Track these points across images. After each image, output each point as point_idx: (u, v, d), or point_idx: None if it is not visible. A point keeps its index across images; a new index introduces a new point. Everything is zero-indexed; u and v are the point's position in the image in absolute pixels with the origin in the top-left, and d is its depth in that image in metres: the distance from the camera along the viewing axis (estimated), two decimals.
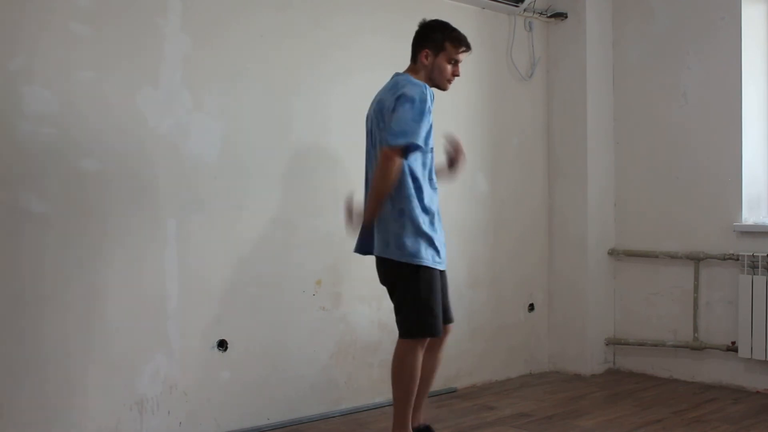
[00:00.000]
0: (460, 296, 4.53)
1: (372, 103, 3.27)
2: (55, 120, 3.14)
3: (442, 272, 3.21)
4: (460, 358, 4.52)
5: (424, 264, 3.08)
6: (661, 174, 4.76)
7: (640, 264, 4.86)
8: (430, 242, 3.09)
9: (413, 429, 3.26)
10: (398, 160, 2.99)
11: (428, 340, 3.16)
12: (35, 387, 3.10)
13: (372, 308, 4.13)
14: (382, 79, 4.16)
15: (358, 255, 4.06)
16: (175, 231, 3.46)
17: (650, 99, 4.81)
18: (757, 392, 4.35)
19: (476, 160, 4.60)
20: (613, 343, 4.95)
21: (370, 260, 4.12)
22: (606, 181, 4.93)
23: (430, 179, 3.14)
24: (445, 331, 3.29)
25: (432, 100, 3.08)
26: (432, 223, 3.11)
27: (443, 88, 3.27)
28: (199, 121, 3.53)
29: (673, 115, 4.69)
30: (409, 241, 3.05)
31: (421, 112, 3.00)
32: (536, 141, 4.99)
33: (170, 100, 3.44)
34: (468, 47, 3.22)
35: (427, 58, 3.19)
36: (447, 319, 3.29)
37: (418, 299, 3.10)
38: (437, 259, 3.12)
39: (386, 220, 3.09)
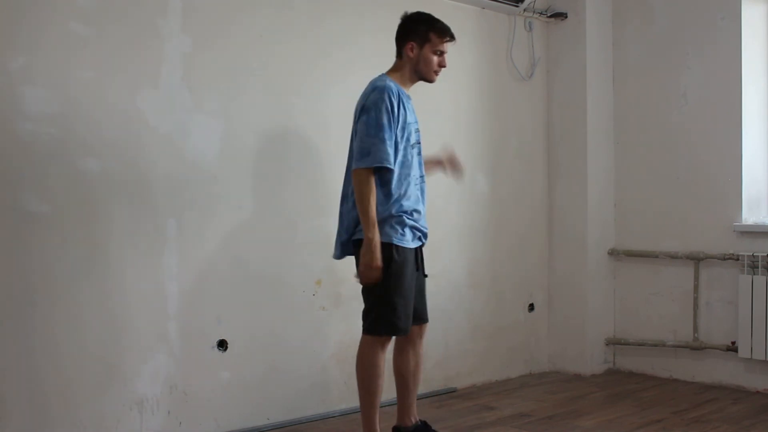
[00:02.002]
0: (460, 296, 4.53)
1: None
2: (56, 120, 3.14)
3: (418, 272, 3.19)
4: (460, 358, 4.52)
5: (394, 242, 3.05)
6: (661, 174, 4.76)
7: (640, 264, 4.86)
8: (399, 221, 3.06)
9: (405, 429, 3.28)
10: (368, 179, 2.98)
11: (394, 338, 3.14)
12: (35, 387, 3.10)
13: None
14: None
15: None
16: (175, 231, 3.46)
17: (650, 99, 4.81)
18: (757, 392, 4.35)
19: (476, 160, 4.60)
20: (613, 343, 4.95)
21: None
22: (606, 181, 4.93)
23: (409, 174, 3.10)
24: (420, 331, 3.27)
25: (400, 99, 3.06)
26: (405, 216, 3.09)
27: (430, 80, 3.25)
28: (199, 121, 3.53)
29: (673, 115, 4.69)
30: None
31: (378, 122, 2.98)
32: (536, 141, 4.99)
33: (170, 100, 3.44)
34: (452, 37, 3.21)
35: (412, 50, 3.18)
36: (421, 319, 3.27)
37: (383, 293, 3.06)
38: (407, 238, 3.08)
39: (350, 213, 3.11)
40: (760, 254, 4.27)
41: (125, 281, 3.32)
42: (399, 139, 3.05)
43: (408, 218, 3.08)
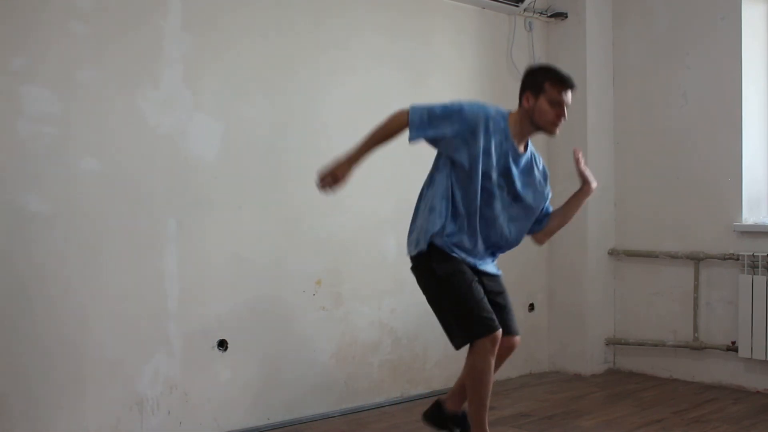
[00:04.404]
0: None
1: None
2: (55, 120, 3.14)
3: (486, 281, 3.07)
4: (460, 358, 4.50)
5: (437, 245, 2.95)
6: (661, 174, 4.76)
7: (640, 264, 4.86)
8: (441, 231, 2.97)
9: (448, 410, 3.22)
10: (400, 115, 2.96)
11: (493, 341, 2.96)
12: (35, 386, 3.10)
13: (372, 308, 4.14)
14: (381, 79, 4.19)
15: (358, 255, 4.09)
16: (175, 231, 3.46)
17: (650, 99, 4.81)
18: (757, 392, 4.35)
19: None
20: (613, 343, 4.95)
21: (370, 260, 4.16)
22: (606, 181, 4.93)
23: (473, 199, 2.98)
24: (506, 344, 3.08)
25: (487, 126, 2.94)
26: (456, 224, 2.99)
27: (549, 133, 3.08)
28: (199, 121, 3.53)
29: (673, 115, 4.69)
30: (426, 229, 2.99)
31: (445, 111, 2.92)
32: (536, 141, 4.97)
33: (170, 100, 3.44)
34: (571, 86, 3.01)
35: (528, 101, 3.01)
36: (507, 330, 3.08)
37: (447, 299, 2.99)
38: (458, 251, 2.99)
39: (420, 215, 3.06)
40: (760, 254, 4.27)
41: (125, 281, 3.32)
42: (466, 161, 2.94)
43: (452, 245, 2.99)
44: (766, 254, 4.26)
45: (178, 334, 3.47)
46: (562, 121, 3.05)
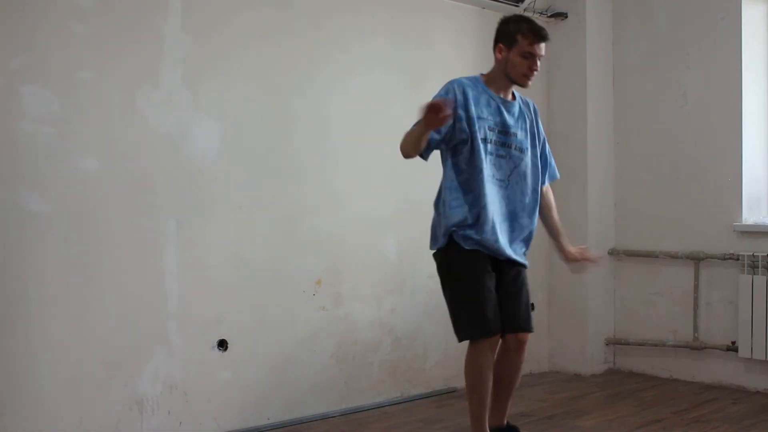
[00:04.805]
0: None
1: None
2: (55, 120, 3.14)
3: (507, 271, 3.13)
4: (460, 358, 4.49)
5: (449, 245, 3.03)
6: (661, 174, 4.76)
7: (640, 264, 4.86)
8: (460, 227, 3.01)
9: (496, 429, 3.21)
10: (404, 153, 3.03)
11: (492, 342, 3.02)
12: (35, 386, 3.10)
13: (372, 308, 4.14)
14: (381, 79, 4.19)
15: (358, 255, 4.09)
16: (175, 231, 3.46)
17: (650, 99, 4.80)
18: (757, 392, 4.35)
19: None
20: (613, 343, 4.94)
21: (370, 260, 4.16)
22: (606, 181, 4.93)
23: (479, 171, 3.00)
24: (515, 341, 3.14)
25: (464, 91, 3.00)
26: (474, 215, 3.01)
27: (521, 84, 3.08)
28: (199, 121, 3.53)
29: (673, 115, 4.69)
30: (441, 225, 3.08)
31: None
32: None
33: (170, 99, 3.44)
34: (543, 38, 3.01)
35: (500, 53, 3.05)
36: (513, 327, 3.13)
37: (454, 296, 3.07)
38: (468, 241, 3.01)
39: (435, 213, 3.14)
40: (760, 254, 4.27)
41: (125, 281, 3.32)
42: (467, 135, 2.99)
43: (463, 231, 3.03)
44: (766, 254, 4.26)
45: (178, 334, 3.47)
46: (534, 73, 3.07)
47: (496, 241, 3.05)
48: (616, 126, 4.97)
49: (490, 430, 3.17)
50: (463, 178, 3.04)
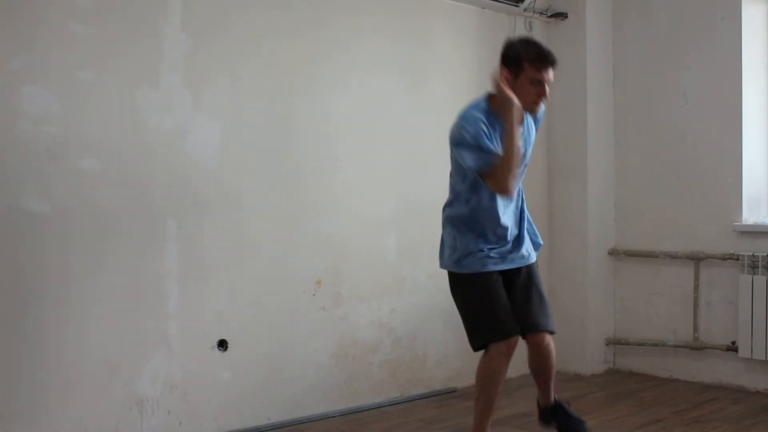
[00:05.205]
0: None
1: None
2: (55, 120, 3.14)
3: (515, 276, 3.10)
4: (460, 358, 4.52)
5: (456, 271, 3.06)
6: (661, 174, 4.76)
7: (640, 264, 4.86)
8: (462, 248, 3.02)
9: (544, 408, 3.31)
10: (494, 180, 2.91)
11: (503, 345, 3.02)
12: (35, 387, 3.10)
13: (372, 308, 4.14)
14: (381, 79, 4.19)
15: (358, 255, 4.09)
16: (175, 231, 3.46)
17: (650, 99, 4.80)
18: (757, 392, 4.34)
19: None
20: (613, 343, 4.94)
21: (370, 260, 4.16)
22: (606, 181, 4.93)
23: (491, 204, 3.01)
24: (536, 341, 3.13)
25: (489, 124, 2.90)
26: (475, 230, 3.02)
27: (530, 111, 3.03)
28: (199, 121, 3.53)
29: (673, 115, 4.69)
30: (446, 251, 3.08)
31: (470, 148, 2.88)
32: (536, 141, 4.97)
33: (170, 100, 3.44)
34: (551, 64, 2.92)
35: (507, 80, 2.92)
36: (531, 327, 3.10)
37: (465, 308, 3.09)
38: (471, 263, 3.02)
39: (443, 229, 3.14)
40: (760, 254, 4.27)
41: (125, 281, 3.32)
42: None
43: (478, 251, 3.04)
44: (766, 254, 4.26)
45: (178, 334, 3.47)
46: (544, 99, 2.98)
47: (503, 259, 3.07)
48: (616, 126, 4.97)
49: (542, 409, 3.30)
50: (478, 197, 3.00)
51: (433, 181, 4.05)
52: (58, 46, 3.15)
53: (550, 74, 2.94)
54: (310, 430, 3.74)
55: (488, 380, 3.04)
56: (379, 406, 4.10)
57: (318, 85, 3.93)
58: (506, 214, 3.06)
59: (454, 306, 4.55)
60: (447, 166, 3.16)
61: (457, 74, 4.52)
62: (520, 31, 4.84)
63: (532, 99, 2.94)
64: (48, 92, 3.12)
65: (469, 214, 3.02)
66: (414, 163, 4.24)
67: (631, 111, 4.90)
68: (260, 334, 3.72)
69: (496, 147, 2.88)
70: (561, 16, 4.88)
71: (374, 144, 4.12)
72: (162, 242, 3.43)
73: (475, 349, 3.07)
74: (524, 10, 4.77)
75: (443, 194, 3.78)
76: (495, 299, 3.02)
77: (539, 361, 3.22)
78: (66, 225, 3.17)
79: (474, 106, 2.98)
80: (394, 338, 4.24)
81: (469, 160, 2.88)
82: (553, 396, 3.34)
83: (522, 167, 3.09)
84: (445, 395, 4.36)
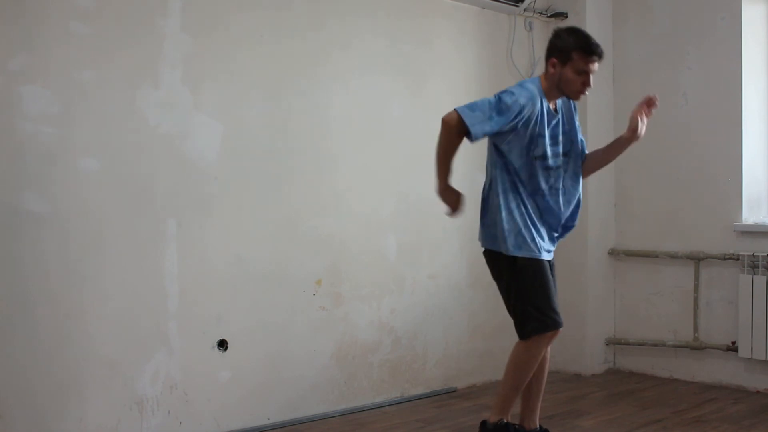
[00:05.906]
0: (460, 296, 4.53)
1: None
2: (55, 120, 3.14)
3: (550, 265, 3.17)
4: (460, 358, 4.53)
5: (519, 255, 3.06)
6: (661, 174, 4.76)
7: (640, 264, 4.86)
8: (522, 232, 3.06)
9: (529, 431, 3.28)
10: (450, 126, 2.95)
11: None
12: (35, 387, 3.10)
13: (372, 308, 4.14)
14: (381, 79, 4.19)
15: (358, 255, 4.09)
16: (175, 231, 3.46)
17: None
18: (757, 392, 4.35)
19: (476, 160, 4.59)
20: (613, 343, 4.95)
21: (370, 260, 4.15)
22: (606, 181, 4.93)
23: (537, 189, 3.09)
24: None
25: (536, 109, 3.00)
26: (531, 219, 3.09)
27: (574, 99, 3.12)
28: (199, 121, 3.53)
29: (673, 115, 4.69)
30: (506, 233, 3.08)
31: (499, 104, 2.95)
32: None
33: (170, 99, 3.44)
34: (599, 56, 3.01)
35: (554, 67, 3.03)
36: None
37: (520, 294, 3.08)
38: (532, 248, 3.07)
39: (492, 213, 3.13)
40: (760, 254, 4.27)
41: (125, 281, 3.32)
42: (514, 145, 3.02)
43: (527, 226, 3.09)
44: (766, 254, 4.26)
45: (178, 334, 3.47)
46: (587, 89, 3.06)
47: (549, 252, 3.18)
48: (616, 126, 4.96)
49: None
50: (523, 185, 3.07)
51: (433, 181, 4.04)
52: (58, 46, 3.15)
53: (596, 66, 3.03)
54: (310, 430, 3.74)
55: (525, 366, 3.08)
56: (379, 406, 4.10)
57: (318, 85, 3.93)
58: (565, 205, 3.16)
59: (455, 306, 4.58)
60: None
61: (457, 74, 4.52)
62: (520, 31, 4.85)
63: (577, 88, 3.04)
64: (48, 92, 3.12)
65: (531, 202, 3.10)
66: (414, 163, 4.24)
67: (631, 111, 4.88)
68: (260, 334, 3.72)
69: (525, 126, 2.98)
70: (561, 15, 4.88)
71: (374, 144, 4.12)
72: (162, 242, 3.43)
73: (525, 336, 3.08)
74: (524, 10, 4.77)
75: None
76: (550, 287, 3.11)
77: (541, 364, 3.23)
78: (66, 225, 3.17)
79: (532, 81, 3.10)
80: (394, 338, 4.24)
81: (489, 112, 2.94)
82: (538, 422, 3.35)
83: (564, 158, 3.13)
84: (445, 395, 4.36)
